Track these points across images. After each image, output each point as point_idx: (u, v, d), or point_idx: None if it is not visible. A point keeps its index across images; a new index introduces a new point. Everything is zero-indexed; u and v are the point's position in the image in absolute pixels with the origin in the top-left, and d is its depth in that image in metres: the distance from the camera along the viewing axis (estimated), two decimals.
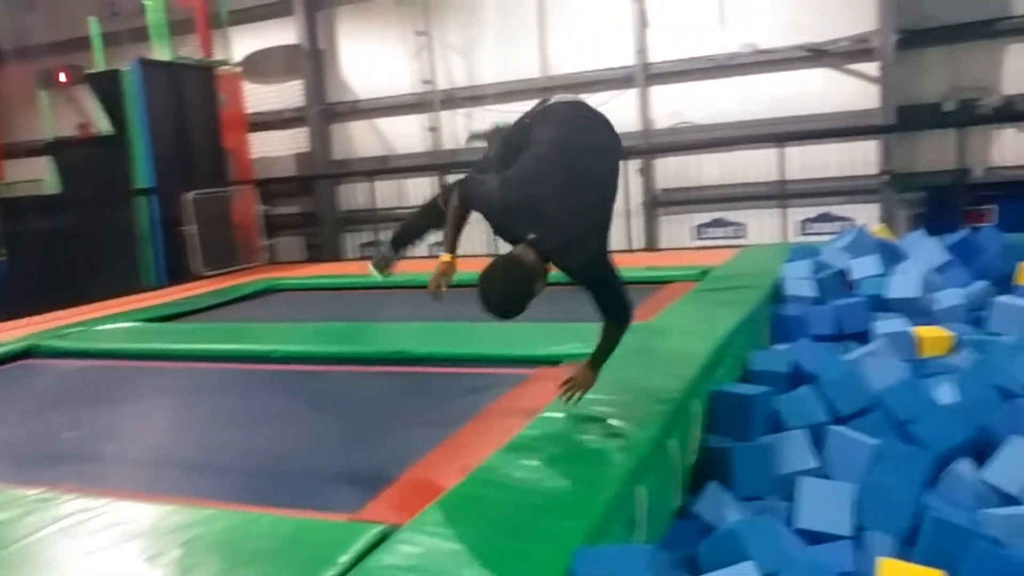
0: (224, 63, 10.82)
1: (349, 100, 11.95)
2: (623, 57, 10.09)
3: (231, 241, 10.25)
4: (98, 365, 5.26)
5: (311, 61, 11.88)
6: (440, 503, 2.40)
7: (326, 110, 12.05)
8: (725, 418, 3.62)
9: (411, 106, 11.49)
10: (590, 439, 2.82)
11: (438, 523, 2.27)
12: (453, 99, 11.26)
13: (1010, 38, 8.87)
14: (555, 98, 3.11)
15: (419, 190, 11.12)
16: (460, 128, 11.22)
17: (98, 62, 9.93)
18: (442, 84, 11.29)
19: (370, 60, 11.74)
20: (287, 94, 12.14)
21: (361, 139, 12.02)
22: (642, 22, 9.95)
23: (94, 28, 10.06)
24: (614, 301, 2.91)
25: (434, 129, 11.37)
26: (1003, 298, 5.19)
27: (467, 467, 2.67)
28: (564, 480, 2.51)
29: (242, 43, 11.76)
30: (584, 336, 4.33)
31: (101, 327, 6.07)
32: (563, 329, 4.53)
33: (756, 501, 3.33)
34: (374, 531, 2.25)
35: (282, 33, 11.98)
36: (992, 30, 8.85)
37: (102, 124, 9.98)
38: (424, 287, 3.02)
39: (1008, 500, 2.98)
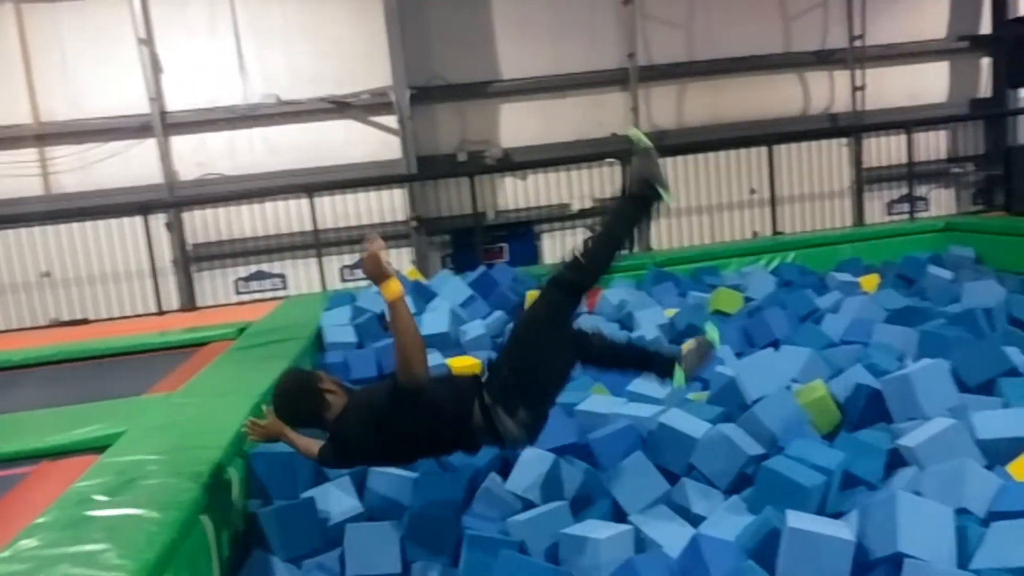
0: None
1: None
2: (137, 104, 9.32)
3: None
4: None
5: None
6: None
7: None
8: (270, 479, 3.41)
9: None
10: (98, 540, 2.36)
11: None
12: None
13: (502, 99, 10.20)
14: None
15: None
16: None
17: None
18: None
19: None
20: None
21: None
22: (155, 67, 9.31)
23: None
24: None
25: None
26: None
27: None
28: None
29: None
30: (103, 417, 3.77)
31: None
32: (74, 412, 3.89)
33: (308, 559, 3.18)
34: None
35: None
36: (488, 91, 10.09)
37: None
38: None
39: (528, 504, 3.25)
